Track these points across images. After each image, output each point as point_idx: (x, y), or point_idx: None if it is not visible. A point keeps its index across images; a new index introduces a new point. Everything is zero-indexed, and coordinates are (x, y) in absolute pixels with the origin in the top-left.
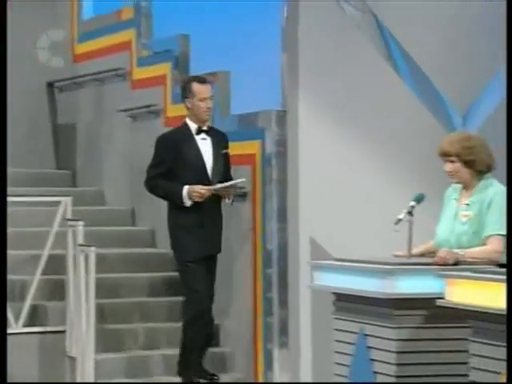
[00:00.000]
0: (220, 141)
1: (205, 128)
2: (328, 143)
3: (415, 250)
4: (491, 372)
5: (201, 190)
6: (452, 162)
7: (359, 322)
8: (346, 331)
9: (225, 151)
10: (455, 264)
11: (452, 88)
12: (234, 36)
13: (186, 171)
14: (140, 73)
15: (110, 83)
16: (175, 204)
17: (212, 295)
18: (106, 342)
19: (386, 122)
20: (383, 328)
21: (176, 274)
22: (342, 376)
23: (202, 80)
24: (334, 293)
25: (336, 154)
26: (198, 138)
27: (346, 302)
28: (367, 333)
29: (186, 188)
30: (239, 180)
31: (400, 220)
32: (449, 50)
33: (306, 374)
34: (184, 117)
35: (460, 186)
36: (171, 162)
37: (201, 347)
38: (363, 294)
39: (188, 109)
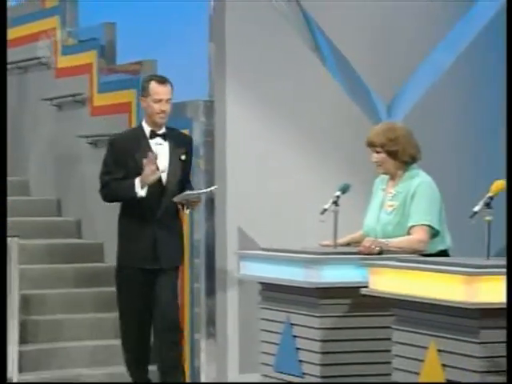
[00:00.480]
0: (180, 146)
1: (160, 132)
2: (255, 133)
3: (341, 240)
4: (414, 359)
5: (150, 165)
6: (378, 152)
7: (285, 312)
8: (273, 321)
9: (183, 157)
10: (379, 253)
11: (377, 78)
12: (162, 25)
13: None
14: (65, 61)
15: (33, 72)
16: (128, 200)
17: (163, 311)
18: (31, 332)
19: (313, 113)
20: (308, 317)
21: (102, 264)
22: (269, 365)
23: (161, 80)
24: (261, 282)
25: (263, 144)
26: (152, 142)
27: (273, 291)
28: (293, 322)
29: (138, 178)
30: (212, 187)
31: (325, 210)
32: (374, 41)
33: (233, 364)
34: (112, 106)
35: (387, 176)
36: (124, 168)
37: (142, 361)
38: (289, 284)
39: (143, 109)
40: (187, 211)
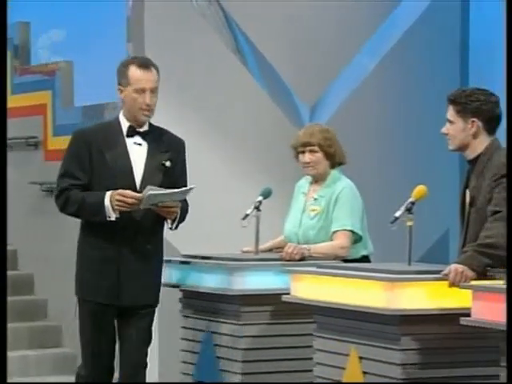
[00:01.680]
0: (164, 149)
1: (141, 129)
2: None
3: (263, 246)
4: (335, 367)
5: (126, 194)
6: (313, 152)
7: (206, 320)
8: (193, 329)
9: (166, 163)
10: (301, 259)
11: (300, 81)
12: (79, 25)
13: (107, 184)
14: None
15: None
16: (92, 221)
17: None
18: None
19: (233, 115)
20: (230, 325)
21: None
22: (189, 375)
23: (144, 64)
24: (182, 290)
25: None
26: (129, 141)
27: (193, 299)
28: (213, 330)
29: (108, 194)
30: (189, 187)
31: (247, 215)
32: (296, 45)
33: (152, 373)
34: (27, 108)
35: (309, 179)
36: (90, 169)
37: None
38: (210, 291)
39: (122, 102)
40: (171, 225)
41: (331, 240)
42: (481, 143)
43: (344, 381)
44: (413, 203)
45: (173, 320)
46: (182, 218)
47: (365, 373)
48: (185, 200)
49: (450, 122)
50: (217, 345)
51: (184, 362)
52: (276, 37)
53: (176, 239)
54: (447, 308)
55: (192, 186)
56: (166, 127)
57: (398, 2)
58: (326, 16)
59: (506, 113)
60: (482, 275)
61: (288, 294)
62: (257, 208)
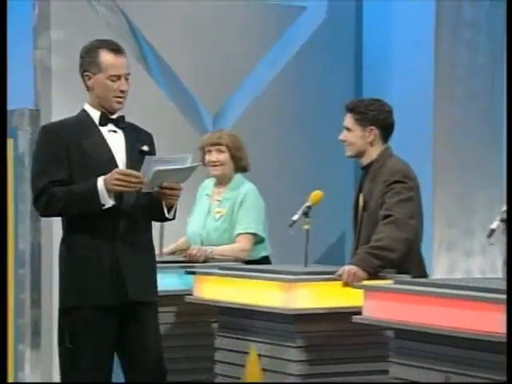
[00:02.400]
0: (139, 136)
1: (114, 117)
2: None
3: (166, 249)
4: (236, 365)
5: (129, 173)
6: (220, 152)
7: None
8: None
9: (146, 148)
10: (205, 261)
11: (204, 90)
12: None
13: (89, 174)
14: None
15: None
16: (83, 213)
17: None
18: None
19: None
20: None
21: None
22: None
23: (115, 48)
24: None
25: None
26: (103, 129)
27: None
28: None
29: (101, 178)
30: (196, 163)
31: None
32: (200, 53)
33: (58, 375)
34: None
35: (213, 181)
36: (68, 163)
37: None
38: None
39: (90, 91)
40: (169, 214)
41: (234, 242)
42: (375, 150)
43: (244, 378)
44: (309, 207)
45: None
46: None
47: (264, 370)
48: None
49: (348, 129)
50: None
51: None
52: (180, 46)
53: None
54: (341, 307)
55: (199, 163)
56: None
57: (295, 16)
58: (228, 28)
59: (506, 113)
60: (373, 276)
61: (191, 294)
62: None
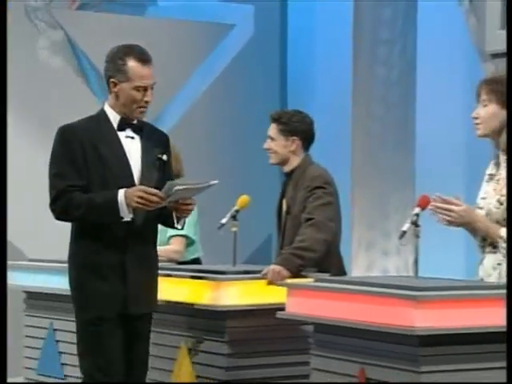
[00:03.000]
0: (155, 142)
1: (133, 122)
2: (20, 148)
3: None
4: (168, 358)
5: (150, 191)
6: None
7: (49, 318)
8: (37, 327)
9: (162, 156)
10: None
11: None
12: None
13: (105, 182)
14: None
15: None
16: (101, 223)
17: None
18: None
19: None
20: (70, 322)
21: None
22: (32, 369)
23: (144, 58)
24: (25, 291)
25: (28, 158)
26: (121, 134)
27: (37, 299)
28: (56, 327)
29: (121, 192)
30: (213, 182)
31: None
32: None
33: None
34: None
35: None
36: (86, 167)
37: None
38: (52, 292)
39: (112, 94)
40: (179, 224)
41: (167, 244)
42: (297, 158)
43: (175, 370)
44: (237, 211)
45: (15, 319)
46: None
47: (194, 363)
48: None
49: (272, 138)
50: (59, 341)
51: (27, 358)
52: None
53: (24, 245)
54: (266, 303)
55: (215, 181)
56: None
57: (226, 32)
58: (163, 43)
59: (507, 114)
60: (296, 274)
61: None
62: None
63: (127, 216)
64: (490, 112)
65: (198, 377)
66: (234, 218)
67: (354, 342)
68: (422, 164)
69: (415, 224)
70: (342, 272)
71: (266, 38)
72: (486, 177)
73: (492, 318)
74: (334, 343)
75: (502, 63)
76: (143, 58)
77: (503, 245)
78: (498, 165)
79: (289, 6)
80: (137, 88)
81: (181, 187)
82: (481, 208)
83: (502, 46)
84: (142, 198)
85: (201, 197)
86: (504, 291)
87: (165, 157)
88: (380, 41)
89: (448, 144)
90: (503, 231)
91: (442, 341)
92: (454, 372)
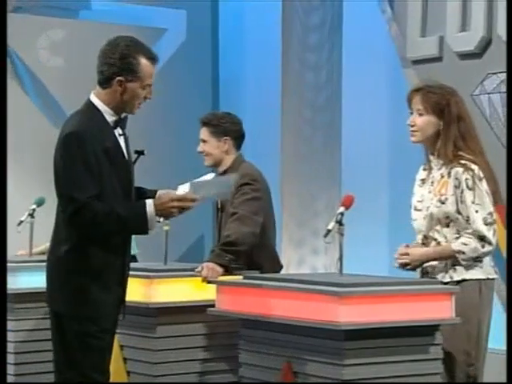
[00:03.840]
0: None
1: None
2: None
3: (36, 249)
4: None
5: (186, 198)
6: None
7: None
8: None
9: (142, 149)
10: None
11: (74, 101)
12: None
13: (113, 185)
14: None
15: None
16: (129, 234)
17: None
18: None
19: (13, 133)
20: (9, 321)
21: None
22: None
23: (153, 57)
24: None
25: None
26: (115, 132)
27: None
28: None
29: (150, 204)
30: (232, 177)
31: (22, 222)
32: (71, 68)
33: None
34: None
35: None
36: (99, 172)
37: None
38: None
39: (110, 90)
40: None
41: None
42: (230, 158)
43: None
44: None
45: None
46: None
47: (126, 359)
48: None
49: (204, 141)
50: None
51: None
52: (52, 63)
53: None
54: (196, 300)
55: (234, 177)
56: None
57: (158, 37)
58: (96, 47)
59: (507, 114)
60: (229, 270)
61: None
62: (31, 215)
63: (154, 227)
64: (425, 121)
65: (128, 372)
66: None
67: (281, 337)
68: (347, 164)
69: (339, 223)
70: (277, 265)
71: (198, 42)
72: (419, 182)
73: (411, 312)
74: (262, 338)
75: (422, 69)
76: (152, 57)
77: (462, 256)
78: (429, 169)
79: (220, 11)
80: (144, 86)
81: (204, 192)
82: (419, 210)
83: (421, 53)
84: (176, 207)
85: None
86: (422, 286)
87: (141, 149)
88: (308, 46)
89: (372, 144)
90: (455, 245)
91: (366, 335)
92: (377, 364)
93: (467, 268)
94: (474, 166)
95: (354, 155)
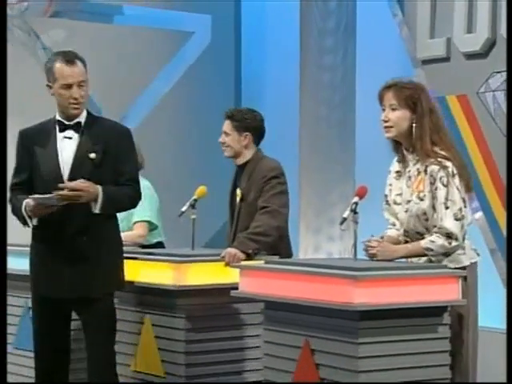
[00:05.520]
0: (95, 141)
1: (71, 123)
2: None
3: None
4: (132, 333)
5: (37, 202)
6: None
7: (25, 298)
8: (14, 305)
9: (92, 156)
10: None
11: (108, 99)
12: None
13: (39, 180)
14: None
15: None
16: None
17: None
18: None
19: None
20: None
21: None
22: (10, 343)
23: (69, 59)
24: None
25: None
26: (60, 135)
27: (14, 280)
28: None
29: (25, 201)
30: (55, 193)
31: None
32: (105, 69)
33: None
34: None
35: None
36: (29, 166)
37: None
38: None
39: (54, 97)
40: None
41: (132, 229)
42: (249, 152)
43: (140, 343)
44: (196, 200)
45: None
46: (108, 203)
47: (156, 337)
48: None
49: (227, 133)
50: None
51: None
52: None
53: None
54: (221, 283)
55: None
56: None
57: (186, 39)
58: (128, 49)
59: (506, 114)
60: (251, 257)
61: None
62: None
63: (30, 222)
64: (399, 115)
65: (159, 349)
66: (192, 206)
67: (300, 317)
68: (361, 158)
69: (354, 211)
70: (290, 254)
71: (222, 45)
72: (394, 174)
73: (421, 294)
74: (283, 318)
75: (431, 69)
76: (67, 59)
77: (431, 253)
78: (403, 162)
79: (243, 16)
80: (63, 86)
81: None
82: (399, 204)
83: (430, 54)
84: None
85: (164, 187)
86: (431, 270)
87: (93, 155)
88: (324, 49)
89: (384, 140)
90: (424, 242)
91: (379, 315)
92: (389, 343)
93: (449, 259)
94: (448, 163)
95: (367, 150)
